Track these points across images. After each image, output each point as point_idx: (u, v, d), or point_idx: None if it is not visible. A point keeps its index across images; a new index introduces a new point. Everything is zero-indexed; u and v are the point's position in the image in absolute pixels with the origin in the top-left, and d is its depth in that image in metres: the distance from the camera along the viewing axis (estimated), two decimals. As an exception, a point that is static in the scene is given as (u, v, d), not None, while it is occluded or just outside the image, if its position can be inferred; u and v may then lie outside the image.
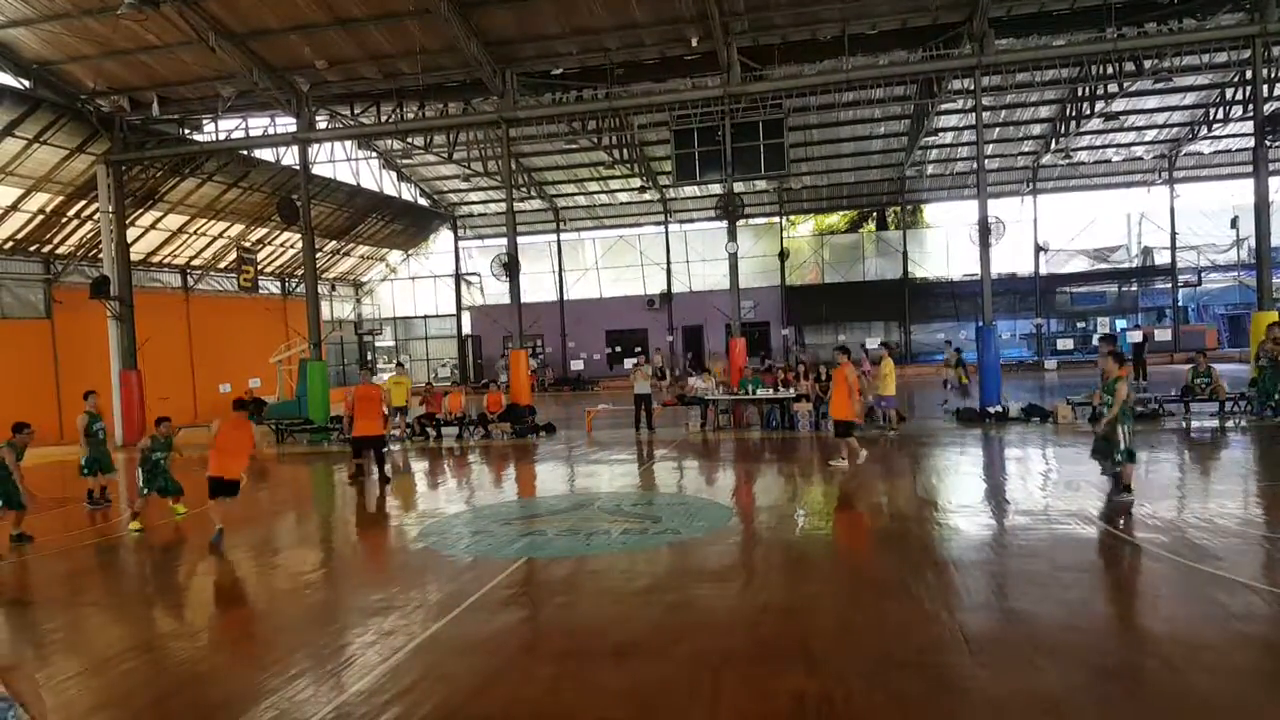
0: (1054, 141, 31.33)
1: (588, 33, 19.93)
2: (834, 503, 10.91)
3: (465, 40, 19.25)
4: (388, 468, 14.15)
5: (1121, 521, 8.88)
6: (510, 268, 21.22)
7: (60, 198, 23.13)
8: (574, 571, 8.05)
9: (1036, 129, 31.82)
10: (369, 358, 36.65)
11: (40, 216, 23.26)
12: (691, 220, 38.29)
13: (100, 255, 23.52)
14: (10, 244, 23.21)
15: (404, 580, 8.05)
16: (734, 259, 21.94)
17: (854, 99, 21.57)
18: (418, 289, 41.64)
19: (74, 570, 9.49)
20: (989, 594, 6.88)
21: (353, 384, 33.38)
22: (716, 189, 29.37)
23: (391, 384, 20.19)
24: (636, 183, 34.07)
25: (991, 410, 17.69)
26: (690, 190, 34.93)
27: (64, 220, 23.96)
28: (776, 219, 37.94)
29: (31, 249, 23.92)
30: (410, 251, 40.97)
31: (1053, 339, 35.78)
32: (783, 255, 37.29)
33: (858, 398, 13.09)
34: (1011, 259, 34.46)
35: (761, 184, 34.49)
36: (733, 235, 22.17)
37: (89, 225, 24.33)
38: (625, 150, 28.45)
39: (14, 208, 22.33)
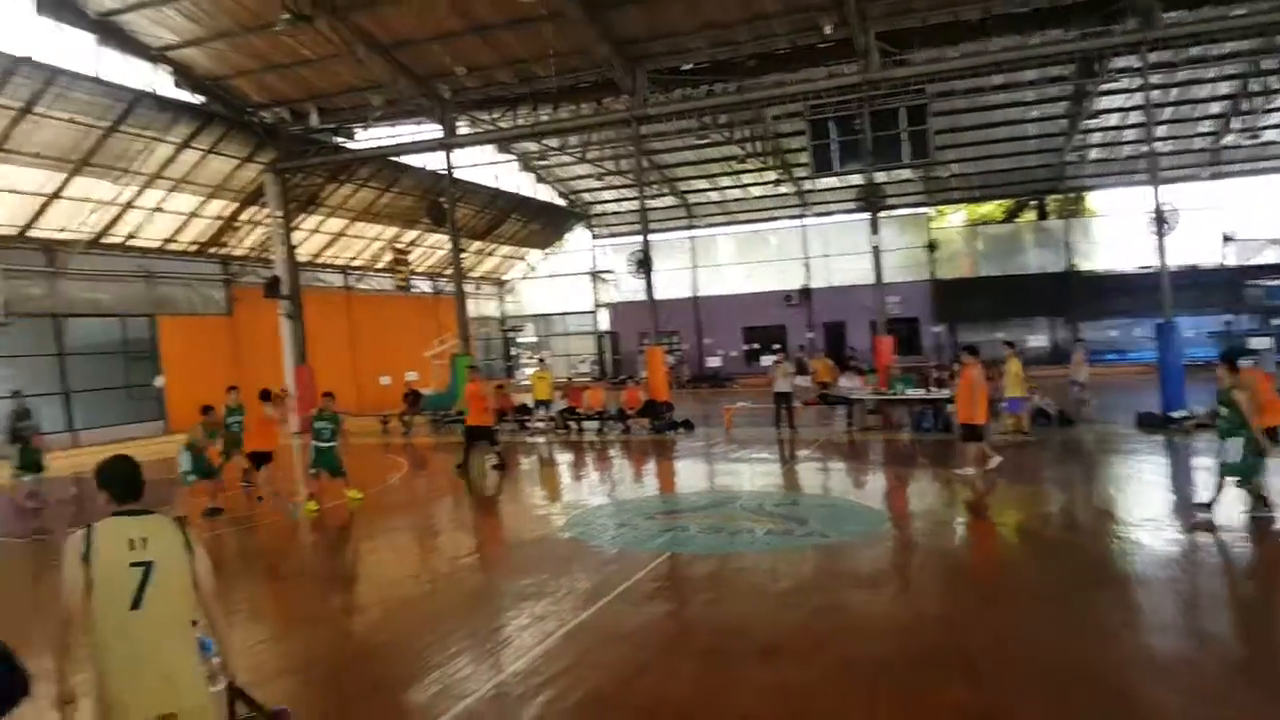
0: (1236, 120, 28.65)
1: (717, 26, 19.75)
2: (996, 510, 10.43)
3: (596, 41, 19.49)
4: (492, 459, 14.94)
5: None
6: (644, 265, 21.36)
7: (234, 204, 25.05)
8: (718, 569, 8.04)
9: (1215, 107, 29.15)
10: (477, 359, 38.01)
11: (218, 221, 25.26)
12: (830, 213, 37.41)
13: (271, 257, 25.34)
14: (195, 247, 25.33)
15: (553, 568, 8.28)
16: (877, 252, 21.29)
17: (1005, 81, 20.45)
18: (556, 286, 42.64)
19: (256, 546, 10.29)
20: (1177, 614, 6.39)
21: (498, 378, 34.69)
22: (856, 180, 28.60)
23: (535, 379, 20.77)
24: (770, 176, 33.59)
25: (1175, 415, 16.11)
26: (828, 182, 34.04)
27: (239, 225, 25.94)
28: (923, 209, 36.55)
29: (212, 251, 26.03)
30: (548, 250, 42.01)
31: (1243, 337, 32.40)
32: (931, 247, 35.82)
33: (984, 400, 12.13)
34: (1194, 249, 31.63)
35: (905, 173, 33.23)
36: (875, 227, 21.51)
37: (261, 229, 26.24)
38: (758, 143, 28.13)
39: (195, 214, 24.35)
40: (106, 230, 22.25)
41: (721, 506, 10.80)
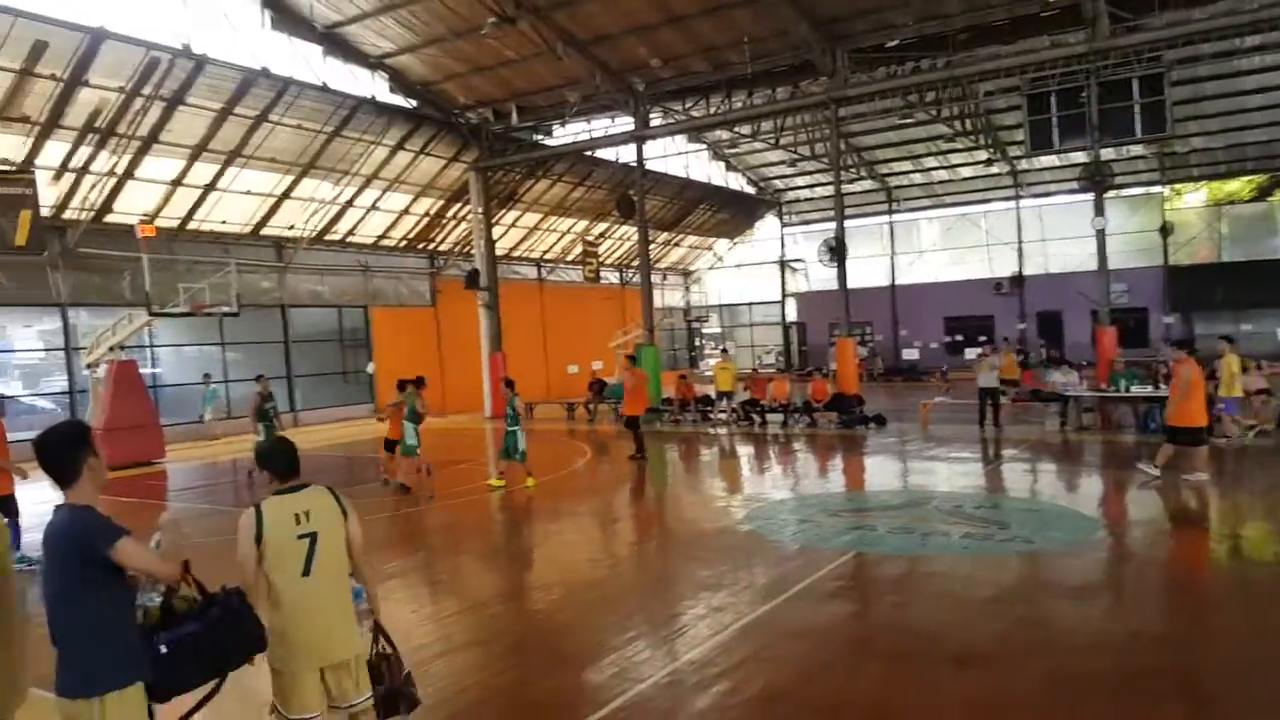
0: None
1: (927, -1, 18.76)
2: (1226, 520, 9.28)
3: (794, 22, 19.03)
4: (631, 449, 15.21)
5: None
6: (837, 252, 20.69)
7: (440, 202, 26.60)
8: (907, 571, 7.62)
9: None
10: (660, 349, 38.07)
11: (425, 219, 26.91)
12: (1048, 194, 34.70)
13: (472, 251, 26.69)
14: (404, 243, 27.16)
15: (732, 560, 8.12)
16: (1102, 236, 19.48)
17: (1261, 42, 17.97)
18: (743, 276, 42.34)
19: (449, 523, 10.83)
20: None
21: (681, 368, 34.95)
22: (1078, 158, 26.31)
23: (717, 369, 20.66)
24: (981, 155, 31.65)
25: None
26: (1046, 161, 31.55)
27: (443, 221, 27.53)
28: (1156, 189, 33.14)
29: (419, 247, 27.81)
30: (736, 239, 41.77)
31: None
32: (1165, 230, 32.43)
33: (1201, 400, 10.85)
34: None
35: (1136, 149, 30.23)
36: (1100, 209, 19.68)
37: (463, 225, 27.70)
38: (968, 121, 26.52)
39: (405, 211, 26.07)
40: (328, 228, 24.25)
41: (914, 507, 10.21)
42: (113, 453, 14.69)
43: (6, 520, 7.57)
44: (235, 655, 3.17)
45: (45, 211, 17.52)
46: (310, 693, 3.48)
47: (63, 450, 2.96)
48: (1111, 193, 25.98)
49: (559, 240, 32.60)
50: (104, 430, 15.82)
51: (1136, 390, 15.67)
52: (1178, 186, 33.46)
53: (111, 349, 17.54)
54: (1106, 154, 22.24)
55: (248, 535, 3.43)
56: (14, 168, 16.86)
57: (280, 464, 3.60)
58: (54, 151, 17.56)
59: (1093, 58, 17.61)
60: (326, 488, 3.64)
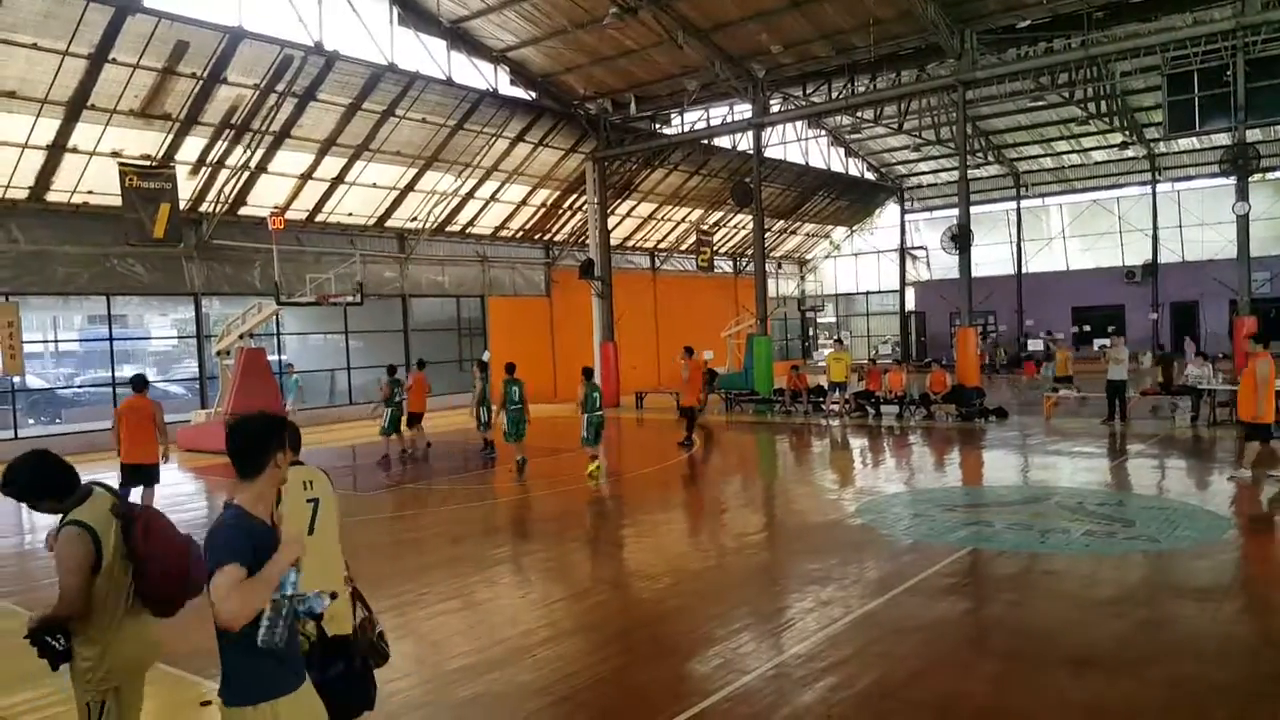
0: None
1: (1062, -22, 17.91)
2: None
3: (921, 4, 18.47)
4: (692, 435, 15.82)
5: None
6: (961, 239, 20.03)
7: (557, 192, 27.07)
8: (1025, 569, 7.38)
9: None
10: (773, 339, 37.46)
11: (542, 209, 27.44)
12: (1188, 178, 32.64)
13: (586, 241, 27.07)
14: (521, 234, 27.79)
15: (841, 553, 8.04)
16: (1244, 221, 18.24)
17: None
18: (860, 265, 41.43)
19: (556, 510, 11.10)
20: None
21: (793, 358, 34.54)
22: (1221, 140, 24.60)
23: (831, 360, 20.35)
24: (1116, 138, 30.00)
25: None
26: (1186, 143, 29.76)
27: (560, 212, 28.01)
28: (1306, 172, 30.66)
29: (536, 237, 28.40)
30: (855, 227, 40.88)
31: None
32: (1314, 216, 30.03)
33: (1271, 396, 10.39)
34: None
35: (1284, 130, 28.09)
36: (1243, 193, 18.40)
37: (578, 215, 28.11)
38: (1103, 103, 25.16)
39: (523, 202, 26.65)
40: (449, 219, 25.05)
41: (1034, 503, 9.84)
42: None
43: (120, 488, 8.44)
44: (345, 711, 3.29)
45: (182, 204, 18.47)
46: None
47: (251, 444, 2.93)
48: (1257, 176, 24.23)
49: (673, 229, 32.68)
50: (230, 415, 16.78)
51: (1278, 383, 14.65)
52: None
53: (241, 337, 18.20)
54: (1252, 135, 20.76)
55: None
56: (155, 163, 17.90)
57: (295, 443, 3.80)
58: (192, 147, 18.52)
59: (1240, 33, 16.50)
60: (319, 467, 3.94)
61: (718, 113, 25.69)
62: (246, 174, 19.63)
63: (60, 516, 3.46)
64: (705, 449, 16.16)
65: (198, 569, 3.42)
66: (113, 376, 20.31)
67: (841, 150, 35.01)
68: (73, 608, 3.38)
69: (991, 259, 35.61)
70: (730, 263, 36.40)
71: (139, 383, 9.94)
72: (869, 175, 37.01)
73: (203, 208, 19.75)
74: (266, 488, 2.96)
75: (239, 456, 2.91)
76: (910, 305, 39.36)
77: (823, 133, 32.96)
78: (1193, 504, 9.70)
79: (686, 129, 25.82)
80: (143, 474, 9.75)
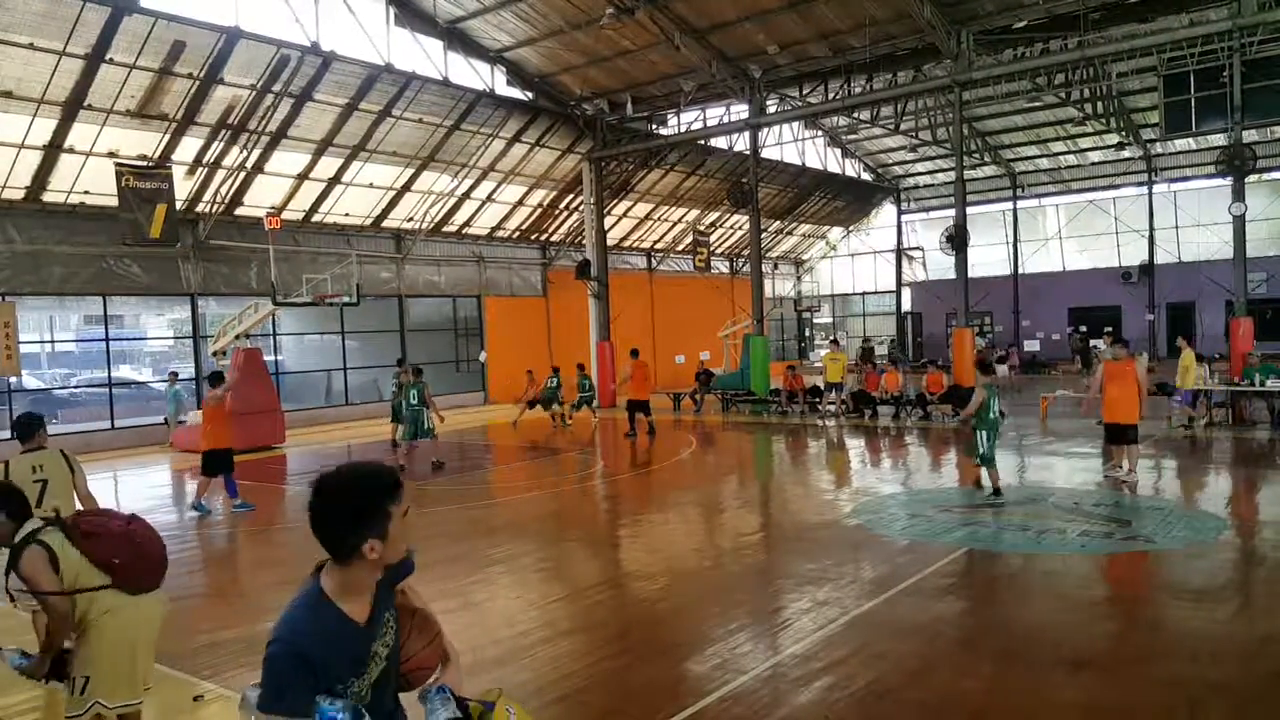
0: None
1: (1059, -22, 17.94)
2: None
3: (918, 4, 18.49)
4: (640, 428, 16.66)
5: None
6: (957, 240, 20.06)
7: (553, 193, 27.06)
8: (1021, 569, 7.41)
9: None
10: (769, 339, 37.32)
11: (539, 210, 27.43)
12: (1184, 178, 32.70)
13: (583, 241, 27.07)
14: (517, 234, 27.78)
15: (837, 554, 8.05)
16: (1240, 222, 18.26)
17: None
18: (857, 265, 41.46)
19: (554, 510, 11.10)
20: None
21: (790, 358, 34.57)
22: (1219, 140, 24.65)
23: (827, 360, 20.36)
24: (1112, 139, 30.09)
25: None
26: (1182, 144, 29.81)
27: (556, 212, 27.99)
28: (1305, 172, 30.71)
29: (532, 237, 28.38)
30: (851, 228, 40.91)
31: None
32: (1311, 216, 30.08)
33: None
34: None
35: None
36: (1240, 194, 18.42)
37: (575, 216, 28.10)
38: (1100, 103, 25.21)
39: (520, 203, 26.64)
40: (445, 220, 25.03)
41: (1030, 503, 9.86)
42: (237, 436, 15.62)
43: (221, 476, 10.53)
44: None
45: (179, 205, 18.45)
46: None
47: (346, 509, 2.04)
48: (1253, 177, 24.29)
49: (670, 230, 32.69)
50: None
51: (1272, 384, 14.98)
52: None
53: (237, 337, 18.24)
54: (1248, 136, 20.85)
55: None
56: (151, 163, 17.88)
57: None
58: (188, 147, 18.50)
59: (1237, 34, 16.55)
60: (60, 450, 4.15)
61: (714, 113, 25.68)
62: (243, 174, 19.61)
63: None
64: (702, 449, 16.18)
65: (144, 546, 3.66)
66: (109, 377, 20.30)
67: (838, 151, 35.06)
68: (65, 621, 3.46)
69: (988, 260, 35.67)
70: (727, 263, 36.41)
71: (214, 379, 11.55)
72: (865, 176, 37.05)
73: (199, 208, 19.73)
74: (365, 575, 2.10)
75: (324, 524, 2.03)
76: (907, 306, 39.40)
77: (819, 133, 32.99)
78: (1188, 504, 9.74)
79: (683, 129, 25.81)
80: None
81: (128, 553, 3.61)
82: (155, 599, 3.80)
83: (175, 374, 19.51)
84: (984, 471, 10.14)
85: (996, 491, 9.95)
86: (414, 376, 14.26)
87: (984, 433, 9.97)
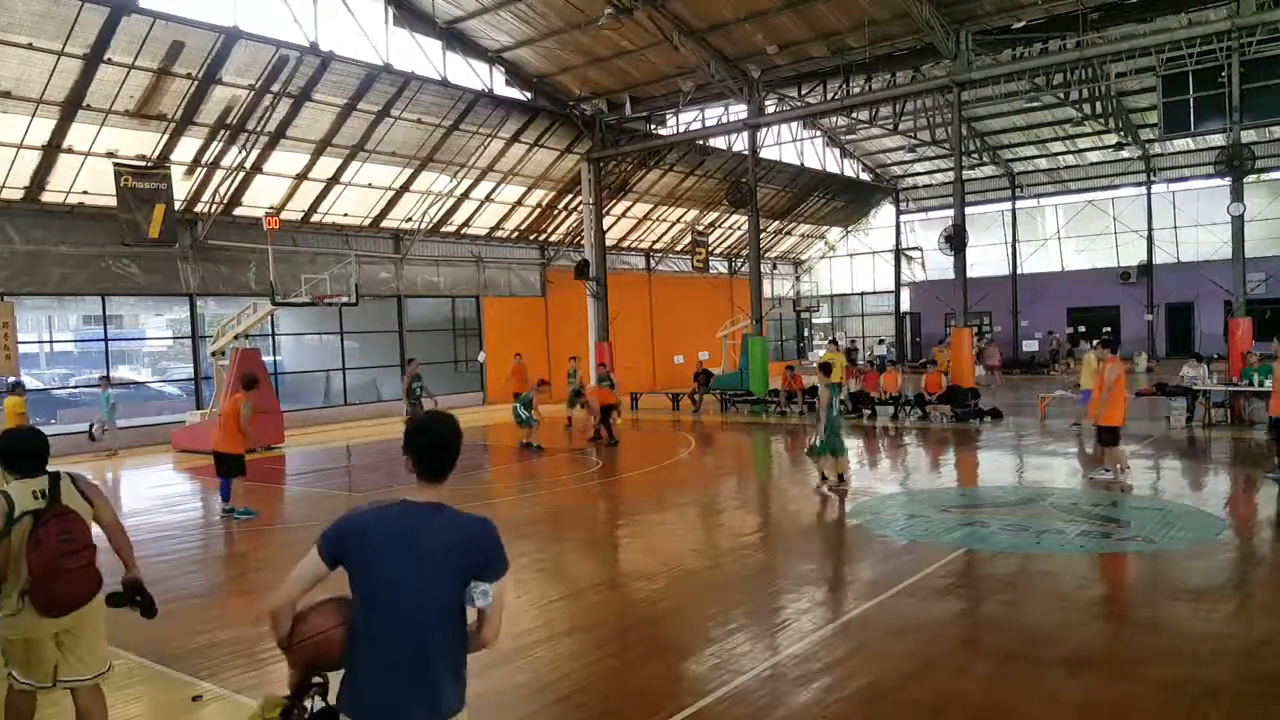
0: None
1: (1057, -22, 17.96)
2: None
3: (917, 4, 18.50)
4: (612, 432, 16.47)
5: None
6: (956, 240, 20.05)
7: (552, 193, 27.05)
8: (1020, 570, 7.40)
9: None
10: (768, 339, 37.41)
11: (537, 210, 27.42)
12: (1182, 179, 32.74)
13: (582, 241, 27.07)
14: (516, 234, 27.77)
15: (836, 555, 8.06)
16: (1239, 222, 18.28)
17: None
18: (855, 266, 41.47)
19: (553, 510, 11.10)
20: None
21: (788, 359, 34.58)
22: (1217, 140, 24.68)
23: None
24: (1111, 139, 30.12)
25: None
26: (1181, 144, 29.84)
27: (555, 212, 27.98)
28: (1304, 172, 30.73)
29: (531, 237, 28.38)
30: (850, 228, 40.92)
31: None
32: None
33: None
34: None
35: (1279, 131, 28.17)
36: (1238, 194, 18.44)
37: (574, 216, 28.10)
38: (1098, 104, 25.24)
39: (519, 203, 26.63)
40: (444, 220, 25.02)
41: (1029, 504, 9.87)
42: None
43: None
44: None
45: (177, 205, 18.42)
46: None
47: (454, 442, 2.89)
48: (1252, 177, 24.34)
49: (668, 230, 32.69)
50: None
51: (1271, 384, 14.82)
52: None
53: (236, 338, 18.17)
54: (1247, 136, 20.88)
55: None
56: (150, 163, 17.85)
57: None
58: (187, 147, 18.48)
59: (1235, 34, 16.58)
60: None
61: (713, 113, 25.70)
62: (242, 174, 19.60)
63: None
64: (700, 450, 16.17)
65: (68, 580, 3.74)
66: (107, 377, 20.23)
67: (837, 151, 35.07)
68: None
69: (987, 260, 35.70)
70: (725, 263, 36.41)
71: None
72: (864, 176, 37.06)
73: (198, 208, 19.71)
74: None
75: (441, 453, 2.85)
76: (905, 306, 39.42)
77: (818, 133, 33.01)
78: (1187, 504, 9.73)
79: (682, 130, 25.84)
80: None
81: (43, 580, 3.69)
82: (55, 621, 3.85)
83: (107, 379, 18.61)
84: (821, 461, 11.08)
85: (840, 479, 10.87)
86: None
87: (824, 427, 10.87)
